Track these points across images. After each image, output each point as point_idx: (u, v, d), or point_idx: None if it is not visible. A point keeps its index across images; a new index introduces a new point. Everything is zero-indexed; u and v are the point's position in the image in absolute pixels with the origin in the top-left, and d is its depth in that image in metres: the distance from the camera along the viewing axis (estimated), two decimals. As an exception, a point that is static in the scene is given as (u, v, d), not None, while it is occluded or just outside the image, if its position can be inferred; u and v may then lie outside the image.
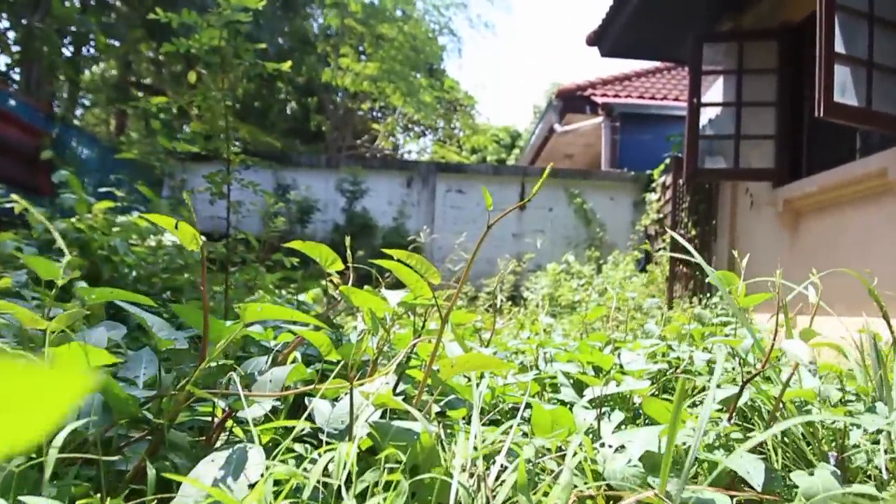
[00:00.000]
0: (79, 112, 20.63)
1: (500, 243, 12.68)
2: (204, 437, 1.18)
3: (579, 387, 1.81)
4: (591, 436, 1.54)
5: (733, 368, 1.95)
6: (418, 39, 18.14)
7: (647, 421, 1.65)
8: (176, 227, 0.95)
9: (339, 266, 1.40)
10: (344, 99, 20.04)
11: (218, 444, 1.14)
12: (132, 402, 0.87)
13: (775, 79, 7.42)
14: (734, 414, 1.48)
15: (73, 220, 3.38)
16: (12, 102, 9.14)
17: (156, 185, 13.18)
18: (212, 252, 5.27)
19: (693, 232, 9.23)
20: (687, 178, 7.58)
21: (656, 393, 1.87)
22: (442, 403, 1.33)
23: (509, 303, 8.15)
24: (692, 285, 9.28)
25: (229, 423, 1.23)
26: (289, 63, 3.68)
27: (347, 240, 1.55)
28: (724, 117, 8.07)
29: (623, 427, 1.62)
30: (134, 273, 3.44)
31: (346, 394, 1.04)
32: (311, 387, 1.01)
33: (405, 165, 14.07)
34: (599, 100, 14.72)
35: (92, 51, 15.63)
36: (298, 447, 1.17)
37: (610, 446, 1.24)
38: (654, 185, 11.90)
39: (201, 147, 3.55)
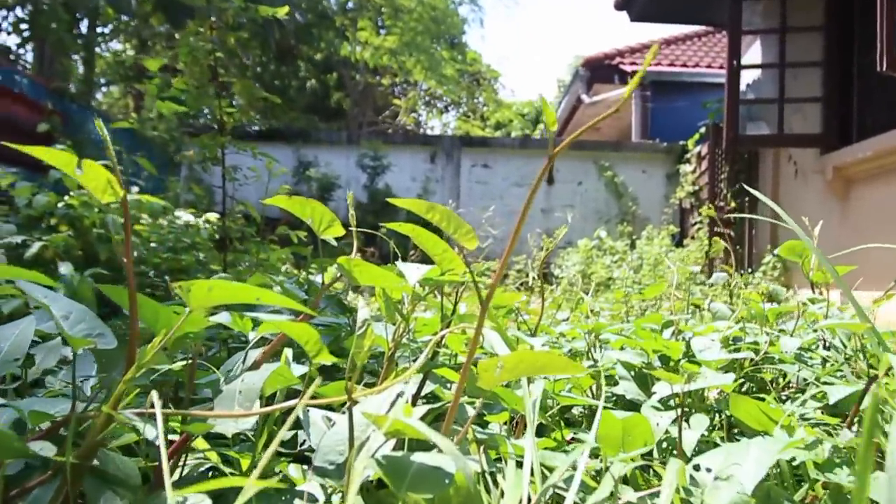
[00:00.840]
0: (99, 95, 20.51)
1: (529, 219, 12.29)
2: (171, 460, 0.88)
3: (642, 380, 1.50)
4: (669, 448, 1.22)
5: (825, 360, 1.62)
6: (438, 10, 17.71)
7: (733, 425, 1.33)
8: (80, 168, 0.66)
9: (339, 231, 1.09)
10: (364, 74, 19.69)
11: (177, 473, 0.85)
12: (10, 438, 0.58)
13: (821, 36, 6.97)
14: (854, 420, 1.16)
15: (67, 197, 3.12)
16: (19, 80, 8.93)
17: (174, 164, 12.97)
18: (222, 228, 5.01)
19: (732, 204, 8.82)
20: (727, 145, 7.17)
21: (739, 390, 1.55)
22: (476, 406, 1.03)
23: (541, 281, 7.81)
24: (732, 260, 8.88)
25: (199, 442, 0.94)
26: (286, 8, 3.35)
27: (351, 204, 1.23)
28: (766, 80, 7.63)
29: (706, 435, 1.31)
30: (135, 253, 3.17)
31: (346, 409, 0.74)
32: (295, 401, 0.71)
33: (428, 140, 13.73)
34: (628, 68, 14.23)
35: (106, 29, 15.43)
36: (294, 469, 0.88)
37: (707, 470, 0.92)
38: (688, 155, 11.45)
39: (191, 107, 3.24)
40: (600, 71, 14.91)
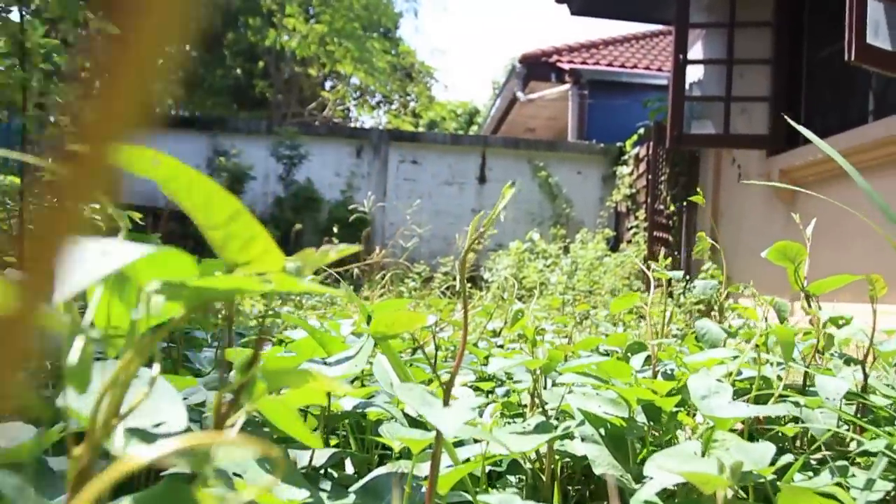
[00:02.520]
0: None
1: (458, 220, 11.84)
2: None
3: (618, 443, 0.96)
4: None
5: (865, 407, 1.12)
6: (371, -1, 17.09)
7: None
8: None
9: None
10: (290, 63, 18.90)
11: None
12: None
13: (770, 32, 6.68)
14: None
15: None
16: None
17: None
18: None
19: (672, 207, 8.51)
20: (670, 144, 6.81)
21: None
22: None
23: (469, 285, 7.32)
24: (669, 266, 8.56)
25: None
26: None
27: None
28: (711, 79, 7.33)
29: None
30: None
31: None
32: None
33: (354, 133, 13.11)
34: (566, 65, 13.90)
35: None
36: None
37: None
38: (625, 157, 11.16)
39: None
40: (537, 68, 14.55)
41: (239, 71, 22.37)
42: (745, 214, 7.33)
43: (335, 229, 7.45)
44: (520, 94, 14.93)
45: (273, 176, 12.12)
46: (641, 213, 9.99)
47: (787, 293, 6.60)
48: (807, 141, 6.25)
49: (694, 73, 7.41)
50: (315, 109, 20.15)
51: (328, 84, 23.08)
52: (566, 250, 9.94)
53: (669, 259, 7.69)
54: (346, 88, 20.89)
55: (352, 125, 23.16)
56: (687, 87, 7.04)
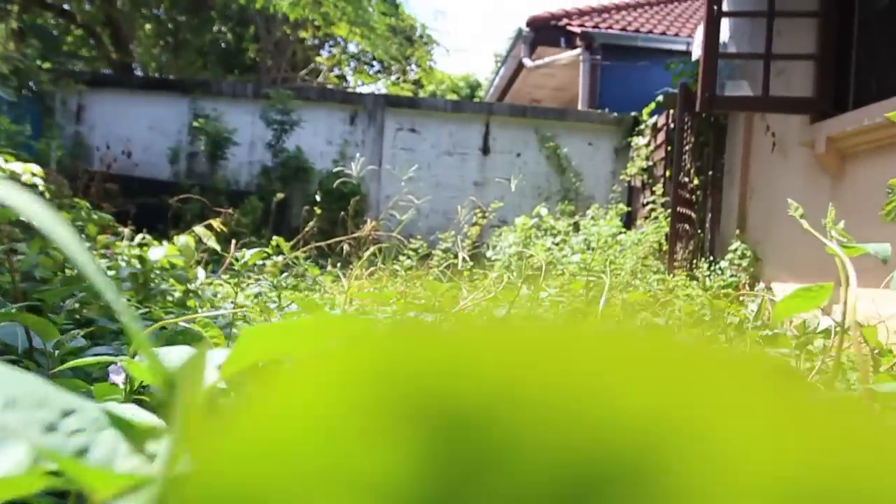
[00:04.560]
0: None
1: (459, 193, 11.17)
2: None
3: None
4: None
5: None
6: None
7: None
8: None
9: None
10: (281, 26, 18.10)
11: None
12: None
13: (819, -19, 5.97)
14: None
15: None
16: None
17: (47, 115, 11.29)
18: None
19: (696, 181, 7.83)
20: (701, 107, 6.12)
21: None
22: None
23: (471, 263, 6.67)
24: (692, 246, 7.92)
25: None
26: None
27: None
28: (744, 35, 6.64)
29: None
30: None
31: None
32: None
33: (348, 98, 12.37)
34: (577, 29, 13.14)
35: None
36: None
37: None
38: (642, 126, 10.46)
39: None
40: (546, 32, 13.79)
41: (229, 36, 21.59)
42: (780, 189, 6.66)
43: (318, 198, 6.75)
44: (526, 61, 14.17)
45: (260, 144, 11.43)
46: (659, 188, 9.33)
47: (827, 277, 5.93)
48: (857, 104, 5.56)
49: (724, 31, 6.71)
50: (308, 75, 19.37)
51: (325, 53, 22.28)
52: (576, 227, 9.29)
53: (693, 238, 6.97)
54: (342, 53, 20.09)
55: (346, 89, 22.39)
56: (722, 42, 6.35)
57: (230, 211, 5.12)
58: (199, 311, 3.12)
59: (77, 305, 2.51)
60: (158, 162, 11.26)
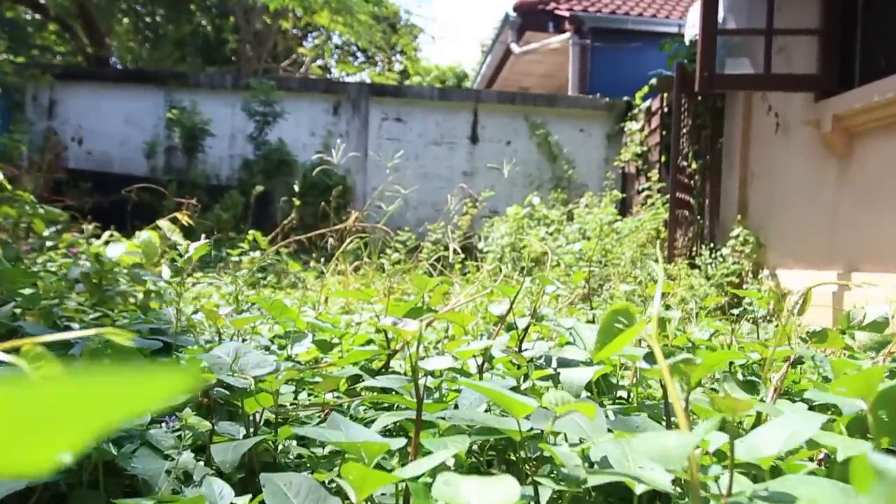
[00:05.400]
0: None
1: (448, 184, 10.89)
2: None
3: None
4: None
5: None
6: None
7: None
8: None
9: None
10: (260, 14, 17.73)
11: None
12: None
13: (821, -48, 5.73)
14: None
15: None
16: None
17: (17, 109, 10.94)
18: None
19: (694, 165, 7.59)
20: (700, 87, 5.87)
21: None
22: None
23: (462, 255, 6.42)
24: (691, 233, 7.68)
25: None
26: None
27: None
28: (742, 10, 6.40)
29: None
30: None
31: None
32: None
33: (331, 87, 12.07)
34: (566, 12, 12.86)
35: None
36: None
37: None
38: (635, 111, 10.20)
39: None
40: (533, 17, 13.52)
41: (209, 28, 21.20)
42: (783, 171, 6.42)
43: (302, 191, 6.47)
44: (514, 46, 13.90)
45: (241, 136, 11.12)
46: (654, 174, 9.09)
47: (836, 263, 5.68)
48: (864, 80, 5.32)
49: (721, 7, 6.46)
50: (290, 67, 19.01)
51: (308, 44, 21.87)
52: (570, 216, 9.04)
53: (692, 225, 6.74)
54: (325, 43, 19.71)
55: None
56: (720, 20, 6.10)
57: (194, 203, 4.82)
58: (165, 311, 2.85)
59: (18, 311, 2.24)
60: (135, 157, 10.93)
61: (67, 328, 2.28)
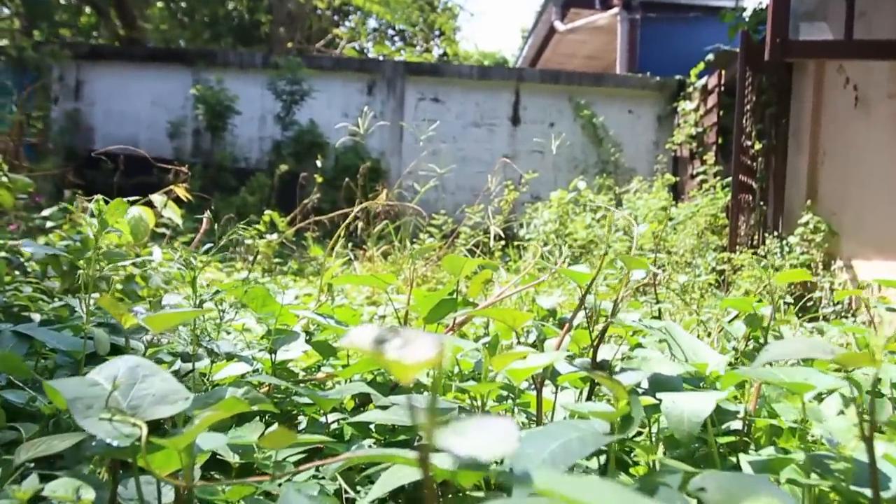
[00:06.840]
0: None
1: (487, 168, 10.39)
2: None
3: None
4: None
5: None
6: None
7: None
8: None
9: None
10: (295, -5, 17.39)
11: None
12: None
13: None
14: None
15: None
16: None
17: (40, 90, 10.70)
18: None
19: (757, 146, 7.01)
20: (771, 54, 5.29)
21: None
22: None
23: (502, 243, 5.96)
24: (753, 220, 7.10)
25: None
26: None
27: None
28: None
29: None
30: None
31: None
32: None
33: (365, 66, 11.63)
34: (614, -13, 12.26)
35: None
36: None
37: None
38: (689, 90, 9.61)
39: None
40: (578, -8, 12.94)
41: (242, 10, 20.93)
42: (862, 151, 5.84)
43: (333, 174, 6.05)
44: (558, 24, 13.33)
45: (270, 118, 10.75)
46: (710, 157, 8.51)
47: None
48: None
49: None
50: (324, 48, 18.64)
51: (344, 28, 21.48)
52: (619, 202, 8.51)
53: (755, 211, 6.14)
54: (361, 24, 19.30)
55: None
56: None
57: (185, 170, 4.43)
58: (148, 300, 2.44)
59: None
60: (161, 139, 10.63)
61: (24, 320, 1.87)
